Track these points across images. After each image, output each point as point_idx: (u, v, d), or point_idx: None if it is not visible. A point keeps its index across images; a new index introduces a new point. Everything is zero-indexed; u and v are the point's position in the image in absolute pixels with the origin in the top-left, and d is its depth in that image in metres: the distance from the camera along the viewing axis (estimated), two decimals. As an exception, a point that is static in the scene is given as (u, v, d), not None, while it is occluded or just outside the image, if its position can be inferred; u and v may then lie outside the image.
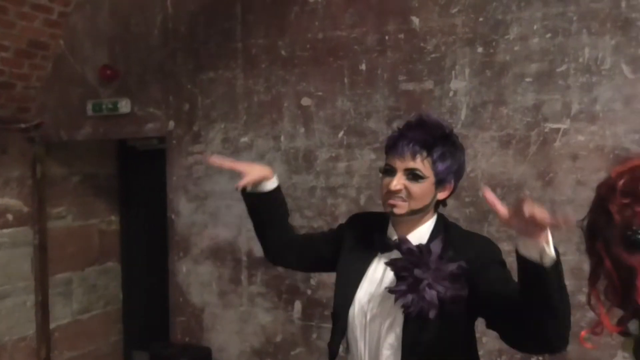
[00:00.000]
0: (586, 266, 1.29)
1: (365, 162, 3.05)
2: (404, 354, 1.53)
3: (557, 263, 1.35)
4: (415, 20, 2.93)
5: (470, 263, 1.51)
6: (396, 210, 1.56)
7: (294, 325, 3.30)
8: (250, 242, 3.37)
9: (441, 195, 1.62)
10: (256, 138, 3.32)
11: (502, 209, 1.43)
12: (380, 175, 1.61)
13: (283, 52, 3.22)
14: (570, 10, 2.64)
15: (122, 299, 4.22)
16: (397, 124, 2.92)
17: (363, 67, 3.04)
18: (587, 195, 2.53)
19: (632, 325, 1.35)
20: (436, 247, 1.55)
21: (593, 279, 1.38)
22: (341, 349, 1.71)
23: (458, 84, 2.84)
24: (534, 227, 1.39)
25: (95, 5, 3.72)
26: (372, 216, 1.77)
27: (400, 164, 1.55)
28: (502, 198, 2.74)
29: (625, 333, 1.37)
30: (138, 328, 4.17)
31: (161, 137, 3.60)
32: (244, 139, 3.34)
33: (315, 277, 3.23)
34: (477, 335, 2.87)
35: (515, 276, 1.43)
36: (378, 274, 1.62)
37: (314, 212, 3.18)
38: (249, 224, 3.32)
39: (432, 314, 1.48)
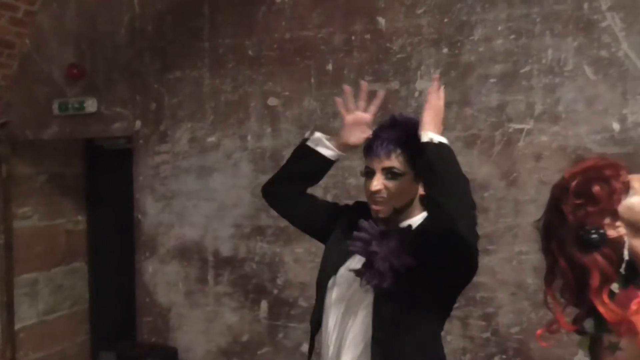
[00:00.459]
0: (548, 266, 1.22)
1: (331, 161, 2.89)
2: (374, 329, 1.48)
3: (443, 145, 1.43)
4: (382, 20, 2.78)
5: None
6: (381, 215, 1.53)
7: (261, 325, 3.12)
8: (216, 242, 3.19)
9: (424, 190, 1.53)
10: (223, 138, 3.13)
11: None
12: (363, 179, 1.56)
13: (250, 52, 3.05)
14: (533, 12, 2.52)
15: (88, 299, 4.00)
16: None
17: (330, 67, 2.88)
18: None
19: (588, 324, 1.27)
20: (393, 223, 1.52)
21: (549, 278, 1.30)
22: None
23: (424, 84, 2.70)
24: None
25: (61, 4, 3.50)
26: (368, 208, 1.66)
27: (377, 165, 1.52)
28: (466, 198, 2.63)
29: (580, 331, 1.29)
30: (105, 328, 3.95)
31: (128, 136, 3.40)
32: (211, 139, 3.16)
33: (282, 277, 3.06)
34: (442, 333, 2.75)
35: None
36: (358, 258, 1.55)
37: (281, 211, 3.02)
38: (215, 224, 3.19)
39: (386, 283, 1.45)
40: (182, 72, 3.20)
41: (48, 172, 3.81)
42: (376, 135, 1.55)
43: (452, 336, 2.70)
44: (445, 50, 2.67)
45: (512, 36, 2.55)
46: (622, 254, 1.20)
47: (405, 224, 1.53)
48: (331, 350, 1.58)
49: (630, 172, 1.26)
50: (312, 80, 2.92)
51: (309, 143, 1.65)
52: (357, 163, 1.94)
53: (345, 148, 1.63)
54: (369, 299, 1.51)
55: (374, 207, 1.53)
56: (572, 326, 1.28)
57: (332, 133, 2.86)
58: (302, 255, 3.00)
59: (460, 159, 2.76)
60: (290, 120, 2.98)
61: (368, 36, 2.80)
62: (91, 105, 3.40)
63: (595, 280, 1.20)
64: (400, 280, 1.45)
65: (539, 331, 1.34)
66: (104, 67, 3.40)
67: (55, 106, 3.48)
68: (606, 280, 1.20)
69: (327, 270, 1.61)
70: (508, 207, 2.59)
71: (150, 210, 3.34)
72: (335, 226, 1.65)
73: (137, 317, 3.41)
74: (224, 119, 3.12)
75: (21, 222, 3.69)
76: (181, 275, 3.30)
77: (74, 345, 3.92)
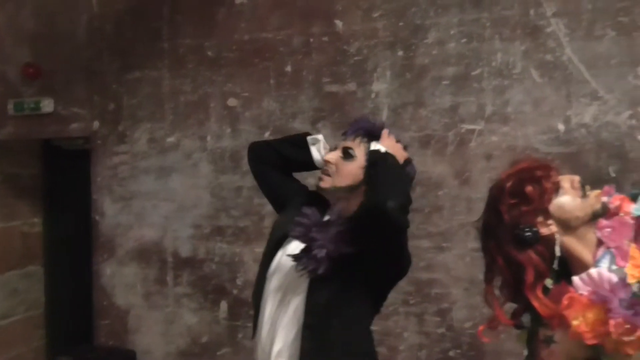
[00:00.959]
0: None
1: (290, 162, 3.00)
2: (306, 314, 1.59)
3: (389, 154, 1.60)
4: (339, 23, 2.91)
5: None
6: (321, 184, 1.67)
7: (220, 326, 3.20)
8: (176, 243, 3.26)
9: None
10: (182, 138, 3.21)
11: None
12: None
13: (210, 53, 3.14)
14: (483, 17, 2.68)
15: (44, 303, 3.99)
16: (321, 125, 2.95)
17: (289, 68, 3.00)
18: None
19: (525, 319, 1.39)
20: (334, 213, 1.64)
21: (488, 276, 1.42)
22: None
23: (380, 86, 2.84)
24: None
25: (17, 3, 3.53)
26: (324, 198, 1.78)
27: (342, 143, 1.71)
28: (421, 196, 2.77)
29: (518, 326, 1.40)
30: (61, 332, 3.95)
31: (86, 137, 3.44)
32: (170, 139, 3.24)
33: (242, 277, 3.15)
34: (398, 330, 2.88)
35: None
36: (296, 243, 1.66)
37: (241, 212, 3.11)
38: (175, 225, 3.26)
39: (321, 270, 1.55)
40: (142, 73, 3.27)
41: (3, 172, 3.81)
42: (356, 121, 1.75)
43: (408, 332, 2.84)
44: (400, 53, 2.81)
45: (464, 40, 2.71)
46: (554, 250, 1.32)
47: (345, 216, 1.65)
48: (264, 335, 1.68)
49: (568, 171, 1.39)
50: (272, 81, 3.03)
51: (308, 138, 1.78)
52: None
53: None
54: (304, 285, 1.61)
55: (320, 176, 1.68)
56: (510, 321, 1.40)
57: (291, 133, 2.99)
58: (261, 255, 3.09)
59: (416, 159, 2.92)
60: (250, 121, 3.07)
61: (326, 39, 2.93)
62: (47, 105, 3.43)
63: (530, 276, 1.32)
64: (336, 268, 1.56)
65: (480, 327, 1.46)
66: (61, 66, 3.44)
67: (10, 106, 3.50)
68: (540, 277, 1.32)
69: (266, 257, 1.74)
70: (461, 205, 2.74)
71: (109, 211, 3.38)
72: (286, 206, 1.77)
73: (94, 321, 3.44)
74: (183, 119, 3.20)
75: (-26, 224, 3.68)
76: (140, 276, 3.35)
77: (29, 350, 3.91)
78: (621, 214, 1.33)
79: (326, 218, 1.64)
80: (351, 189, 1.66)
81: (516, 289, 1.35)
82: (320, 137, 1.78)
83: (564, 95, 2.58)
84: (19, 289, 3.87)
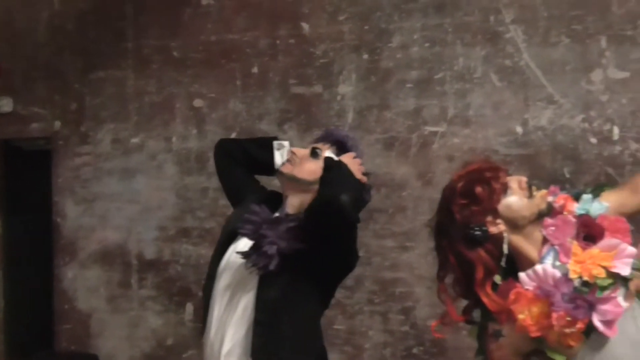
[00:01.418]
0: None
1: (257, 163, 3.09)
2: (256, 311, 1.66)
3: (339, 162, 1.70)
4: (306, 26, 3.03)
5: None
6: (282, 168, 1.79)
7: (186, 328, 3.26)
8: (140, 245, 3.31)
9: None
10: (147, 139, 3.27)
11: None
12: None
13: (175, 54, 3.21)
14: (446, 22, 2.84)
15: (3, 308, 3.96)
16: (287, 126, 3.05)
17: (255, 70, 3.09)
18: None
19: (475, 314, 1.50)
20: (285, 209, 1.73)
21: (441, 274, 1.54)
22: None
23: (345, 88, 2.96)
24: None
25: (-26, -1, 3.53)
26: (278, 197, 1.87)
27: (312, 144, 1.85)
28: (386, 197, 2.91)
29: (470, 321, 1.51)
30: (21, 338, 3.93)
31: (47, 137, 3.46)
32: (135, 140, 3.29)
33: (208, 278, 3.22)
34: (363, 329, 3.00)
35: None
36: (246, 240, 1.73)
37: (206, 213, 3.18)
38: (139, 227, 3.32)
39: (272, 266, 1.63)
40: (105, 72, 3.32)
41: (-41, 174, 3.77)
42: (331, 130, 1.95)
43: (373, 331, 2.96)
44: (365, 56, 2.94)
45: (427, 44, 2.86)
46: (502, 248, 1.45)
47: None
48: (213, 334, 1.74)
49: (526, 173, 1.53)
50: (238, 83, 3.12)
51: (274, 142, 1.86)
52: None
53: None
54: (253, 282, 1.69)
55: (285, 162, 1.81)
56: (461, 317, 1.52)
57: (259, 135, 3.09)
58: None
59: (380, 160, 3.07)
60: (216, 122, 3.16)
61: (292, 41, 3.04)
62: (6, 104, 3.44)
63: (479, 273, 1.43)
64: (286, 264, 1.64)
65: (433, 323, 1.58)
66: (21, 65, 3.46)
67: (-33, 105, 3.49)
68: (489, 274, 1.44)
69: (216, 254, 1.81)
70: (424, 205, 2.87)
71: (70, 213, 3.41)
72: (245, 202, 1.85)
73: (55, 325, 3.46)
74: (148, 120, 3.26)
75: None
76: (103, 280, 3.38)
77: (-15, 357, 3.88)
78: (565, 213, 1.46)
79: (276, 215, 1.73)
80: (307, 184, 1.75)
81: (467, 286, 1.46)
82: (286, 143, 1.86)
83: (522, 99, 2.75)
84: (-24, 293, 3.84)
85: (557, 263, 1.41)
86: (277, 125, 3.05)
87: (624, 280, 1.39)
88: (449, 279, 1.53)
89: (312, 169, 1.76)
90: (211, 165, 3.16)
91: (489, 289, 1.44)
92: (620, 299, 1.37)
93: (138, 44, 3.27)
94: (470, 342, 2.74)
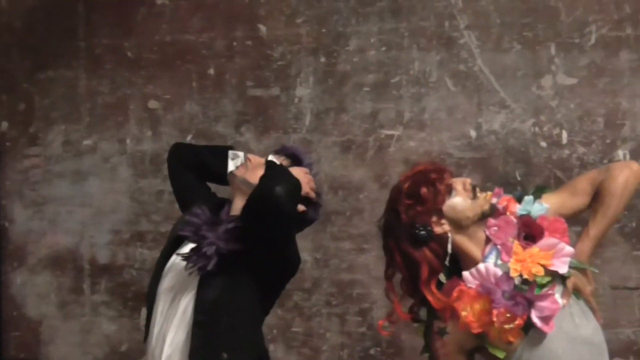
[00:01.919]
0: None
1: (213, 165, 3.12)
2: (195, 312, 1.71)
3: (281, 165, 1.81)
4: (263, 28, 3.07)
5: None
6: (235, 170, 1.86)
7: (141, 333, 3.18)
8: (93, 249, 3.28)
9: None
10: (100, 141, 3.25)
11: None
12: None
13: (129, 54, 3.20)
14: (402, 27, 2.93)
15: (-55, 317, 3.87)
16: (245, 128, 3.09)
17: (211, 71, 3.12)
18: None
19: (422, 312, 1.58)
20: (225, 211, 1.79)
21: (389, 273, 1.62)
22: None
23: (303, 91, 3.02)
24: None
25: None
26: (224, 202, 1.92)
27: (269, 155, 1.93)
28: (343, 199, 2.98)
29: (416, 319, 1.60)
30: (-36, 347, 3.84)
31: (-7, 138, 3.39)
32: (87, 142, 3.26)
33: (163, 282, 3.23)
34: (321, 331, 3.06)
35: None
36: (190, 245, 1.79)
37: (162, 216, 3.18)
38: (92, 230, 3.30)
39: (210, 266, 1.68)
40: (55, 72, 3.28)
41: None
42: (290, 146, 2.13)
43: (330, 333, 3.03)
44: (323, 59, 3.00)
45: (383, 48, 2.95)
46: (447, 248, 1.54)
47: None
48: (155, 336, 1.79)
49: (479, 175, 1.62)
50: (194, 84, 3.13)
51: (230, 152, 1.91)
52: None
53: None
54: (194, 283, 1.74)
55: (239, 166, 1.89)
56: (407, 315, 1.60)
57: (216, 137, 3.12)
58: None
59: (337, 163, 3.15)
60: (172, 124, 3.16)
61: (249, 43, 3.07)
62: (-51, 104, 3.36)
63: (424, 272, 1.52)
64: (225, 265, 1.70)
65: (380, 322, 1.66)
66: (-36, 63, 3.38)
67: None
68: (434, 272, 1.53)
69: (161, 257, 1.86)
70: (381, 208, 2.87)
71: (19, 217, 3.36)
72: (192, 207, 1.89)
73: (3, 333, 3.39)
74: (101, 121, 3.24)
75: None
76: (54, 285, 3.34)
77: None
78: (507, 214, 1.56)
79: (217, 216, 1.79)
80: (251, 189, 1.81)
81: (413, 285, 1.55)
82: (241, 154, 1.91)
83: (476, 104, 2.87)
84: None
85: (499, 262, 1.51)
86: (234, 128, 3.08)
87: (561, 278, 1.49)
88: (396, 278, 1.61)
89: (259, 176, 1.81)
90: (166, 168, 3.18)
91: (433, 288, 1.52)
92: (558, 297, 1.48)
93: (90, 43, 3.24)
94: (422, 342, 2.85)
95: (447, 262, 1.53)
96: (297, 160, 1.92)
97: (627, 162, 1.62)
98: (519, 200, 1.60)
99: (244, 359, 1.76)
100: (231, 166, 1.87)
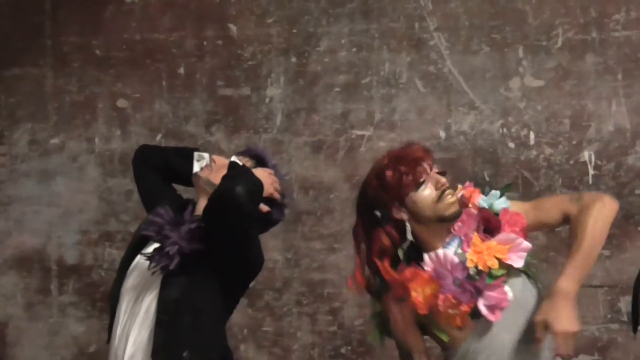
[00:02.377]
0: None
1: (183, 165, 3.10)
2: (158, 311, 1.73)
3: (243, 165, 1.82)
4: (233, 27, 3.06)
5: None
6: (199, 172, 1.88)
7: (110, 334, 3.23)
8: (61, 249, 3.25)
9: None
10: (68, 140, 3.21)
11: None
12: None
13: (97, 52, 3.17)
14: (372, 28, 2.95)
15: None
16: (215, 128, 3.07)
17: (182, 70, 3.10)
18: None
19: (375, 282, 1.64)
20: (188, 211, 1.80)
21: (356, 243, 1.67)
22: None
23: (274, 91, 3.02)
24: None
25: None
26: (188, 203, 1.93)
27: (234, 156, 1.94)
28: (314, 199, 2.99)
29: (369, 287, 1.64)
30: None
31: (-44, 137, 3.33)
32: (54, 141, 3.22)
33: (133, 283, 3.20)
34: (292, 330, 3.07)
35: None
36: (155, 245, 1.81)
37: (131, 216, 3.15)
38: (59, 231, 3.26)
39: (172, 266, 1.71)
40: (21, 70, 3.23)
41: None
42: (254, 147, 2.15)
43: (301, 332, 3.04)
44: (293, 59, 3.01)
45: (354, 49, 2.96)
46: (404, 232, 1.57)
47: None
48: (117, 337, 1.80)
49: (448, 176, 1.63)
50: (164, 83, 3.11)
51: (195, 153, 1.92)
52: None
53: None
54: (157, 282, 1.76)
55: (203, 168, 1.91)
56: (363, 280, 1.63)
57: (186, 137, 3.10)
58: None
59: (308, 163, 3.16)
60: (141, 123, 3.14)
61: (220, 42, 3.06)
62: None
63: (375, 250, 1.58)
64: (188, 264, 1.72)
65: (349, 281, 1.68)
66: None
67: None
68: (384, 253, 1.58)
69: (125, 256, 1.89)
70: (351, 207, 2.94)
71: (-17, 217, 3.30)
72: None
73: (-33, 335, 3.34)
74: (68, 120, 3.20)
75: None
76: (20, 286, 3.30)
77: None
78: (469, 205, 1.60)
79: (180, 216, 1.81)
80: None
81: (370, 258, 1.61)
82: (206, 155, 1.92)
83: (445, 105, 2.91)
84: None
85: (459, 251, 1.56)
86: (204, 128, 3.07)
87: (517, 272, 1.55)
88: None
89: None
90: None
91: (386, 263, 1.57)
92: (507, 289, 1.52)
93: (57, 41, 3.20)
94: (395, 340, 2.87)
95: (404, 247, 1.59)
96: (261, 162, 1.94)
97: (598, 196, 1.60)
98: (485, 193, 1.63)
99: (206, 357, 1.78)
100: (196, 167, 1.89)
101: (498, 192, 1.63)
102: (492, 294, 1.49)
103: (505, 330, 1.53)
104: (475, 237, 1.55)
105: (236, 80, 3.05)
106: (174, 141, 3.10)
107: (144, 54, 3.12)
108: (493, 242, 1.54)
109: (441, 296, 1.50)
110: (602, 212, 1.53)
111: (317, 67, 2.99)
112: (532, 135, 2.88)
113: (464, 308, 1.49)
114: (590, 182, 2.83)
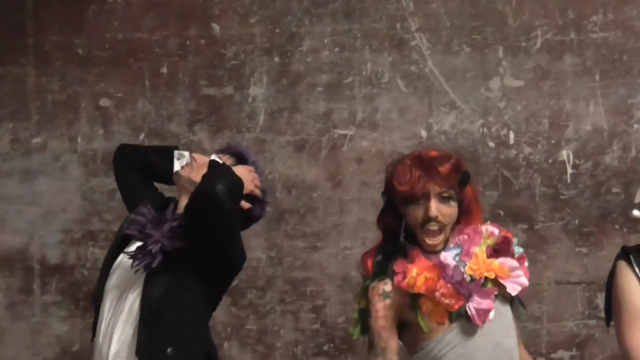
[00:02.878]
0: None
1: (167, 164, 3.10)
2: (141, 309, 1.75)
3: (223, 163, 1.83)
4: (216, 27, 3.06)
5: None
6: (181, 171, 1.88)
7: (93, 333, 3.22)
8: (43, 249, 3.23)
9: None
10: (50, 139, 3.20)
11: None
12: None
13: (80, 51, 3.16)
14: (355, 28, 2.97)
15: None
16: (198, 127, 3.07)
17: (164, 70, 3.10)
18: (371, 194, 2.92)
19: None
20: (170, 210, 1.82)
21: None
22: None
23: (257, 90, 3.03)
24: None
25: None
26: (170, 201, 1.95)
27: (215, 154, 1.98)
28: (297, 198, 3.00)
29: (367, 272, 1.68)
30: None
31: (-63, 136, 3.29)
32: (36, 140, 3.21)
33: (116, 282, 3.20)
34: (275, 328, 3.09)
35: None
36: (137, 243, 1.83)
37: (114, 215, 3.15)
38: (42, 230, 3.25)
39: (155, 264, 1.73)
40: (3, 69, 3.22)
41: None
42: (235, 145, 2.19)
43: (284, 330, 3.06)
44: (276, 59, 3.02)
45: (337, 49, 2.98)
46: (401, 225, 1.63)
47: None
48: (102, 335, 1.82)
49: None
50: (146, 83, 3.11)
51: (175, 152, 1.93)
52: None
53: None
54: (140, 281, 1.78)
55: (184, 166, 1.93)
56: (370, 264, 1.67)
57: (169, 136, 3.10)
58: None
59: (291, 162, 3.17)
60: (124, 122, 3.14)
61: (203, 42, 3.07)
62: None
63: (380, 226, 1.70)
64: (170, 262, 1.75)
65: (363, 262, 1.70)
66: None
67: None
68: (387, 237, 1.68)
69: (108, 255, 1.92)
70: (334, 206, 3.00)
71: (-35, 217, 3.27)
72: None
73: (-52, 335, 3.32)
74: (51, 119, 3.19)
75: None
76: (2, 286, 3.29)
77: None
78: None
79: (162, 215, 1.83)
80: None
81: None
82: (186, 154, 1.94)
83: (426, 105, 2.94)
84: None
85: (458, 258, 1.59)
86: (187, 127, 3.07)
87: (506, 298, 1.62)
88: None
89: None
90: (117, 167, 3.15)
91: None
92: (498, 303, 1.59)
93: (39, 40, 3.19)
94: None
95: (401, 238, 1.62)
96: (241, 159, 1.96)
97: None
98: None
99: (190, 354, 1.80)
100: (177, 166, 1.90)
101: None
102: (481, 299, 1.54)
103: (481, 338, 1.57)
104: (481, 252, 1.60)
105: (219, 79, 3.06)
106: (157, 140, 3.10)
107: (127, 53, 3.12)
108: (496, 262, 1.59)
109: (441, 281, 1.53)
110: None
111: (299, 67, 3.00)
112: (511, 135, 2.92)
113: (455, 303, 1.54)
114: (569, 180, 2.88)
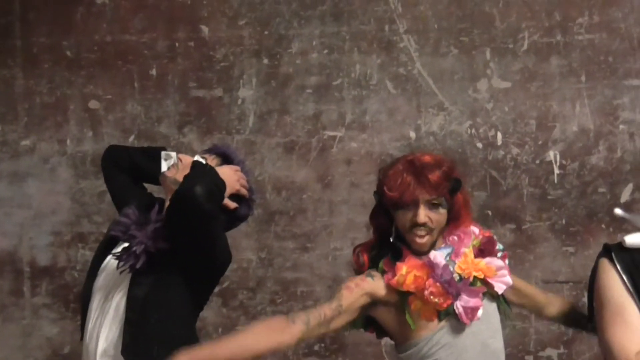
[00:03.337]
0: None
1: (156, 166, 3.10)
2: (126, 310, 1.77)
3: (205, 164, 1.84)
4: (205, 29, 3.06)
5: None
6: (167, 172, 1.90)
7: (84, 335, 3.22)
8: (33, 251, 3.23)
9: None
10: (39, 141, 3.19)
11: None
12: None
13: (68, 53, 3.15)
14: (343, 30, 2.98)
15: None
16: (187, 129, 3.07)
17: (153, 72, 3.10)
18: (360, 195, 2.93)
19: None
20: (154, 211, 1.84)
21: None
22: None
23: (246, 92, 3.03)
24: None
25: None
26: (162, 204, 1.96)
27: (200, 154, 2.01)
28: (286, 200, 3.01)
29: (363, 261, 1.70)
30: None
31: None
32: (25, 142, 3.20)
33: (106, 284, 3.19)
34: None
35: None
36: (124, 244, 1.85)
37: (104, 217, 3.15)
38: (31, 232, 3.24)
39: (139, 264, 1.75)
40: (-10, 71, 3.19)
41: None
42: (221, 145, 2.16)
43: (273, 326, 3.06)
44: (265, 61, 3.02)
45: (325, 51, 2.99)
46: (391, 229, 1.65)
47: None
48: (89, 335, 1.85)
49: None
50: (136, 85, 3.11)
51: (162, 152, 1.95)
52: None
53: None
54: (126, 281, 1.81)
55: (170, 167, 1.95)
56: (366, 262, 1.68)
57: (158, 138, 3.10)
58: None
59: (280, 163, 3.17)
60: (113, 124, 3.13)
61: (192, 44, 3.07)
62: None
63: (372, 225, 1.72)
64: (154, 263, 1.77)
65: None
66: None
67: None
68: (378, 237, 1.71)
69: (96, 256, 1.94)
70: (324, 207, 3.01)
71: (-47, 219, 3.26)
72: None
73: (-62, 338, 3.30)
74: (39, 121, 3.18)
75: None
76: (-9, 289, 3.27)
77: None
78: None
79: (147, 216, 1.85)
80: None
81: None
82: (173, 154, 1.95)
83: (415, 106, 2.96)
84: None
85: (448, 258, 1.62)
86: (176, 129, 3.08)
87: (493, 297, 1.65)
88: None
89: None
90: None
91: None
92: (486, 302, 1.62)
93: (27, 42, 3.18)
94: (368, 338, 2.92)
95: (391, 239, 1.64)
96: (227, 159, 1.97)
97: None
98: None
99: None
100: (164, 167, 1.91)
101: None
102: (469, 297, 1.57)
103: (469, 338, 1.61)
104: (469, 252, 1.64)
105: (208, 81, 3.06)
106: (146, 142, 3.10)
107: (116, 56, 3.11)
108: (483, 262, 1.62)
109: (430, 280, 1.56)
110: None
111: (288, 69, 3.01)
112: (499, 136, 2.94)
113: (443, 302, 1.57)
114: (556, 181, 2.91)
